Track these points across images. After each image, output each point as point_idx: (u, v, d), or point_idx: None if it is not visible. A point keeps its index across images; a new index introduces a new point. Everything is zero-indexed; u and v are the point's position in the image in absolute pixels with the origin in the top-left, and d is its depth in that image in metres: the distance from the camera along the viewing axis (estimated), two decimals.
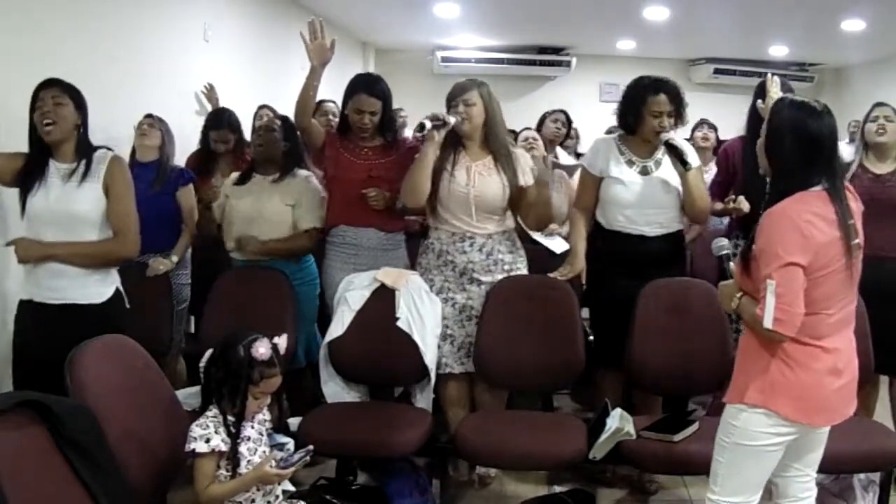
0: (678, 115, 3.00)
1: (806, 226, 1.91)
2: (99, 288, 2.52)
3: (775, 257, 1.91)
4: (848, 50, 7.96)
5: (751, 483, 2.07)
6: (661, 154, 3.03)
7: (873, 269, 3.08)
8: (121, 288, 2.61)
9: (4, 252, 2.58)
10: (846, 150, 8.88)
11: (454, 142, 2.96)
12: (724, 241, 2.27)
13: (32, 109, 2.45)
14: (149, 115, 3.52)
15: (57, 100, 2.44)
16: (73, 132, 2.48)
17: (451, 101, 2.95)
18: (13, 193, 2.54)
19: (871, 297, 2.94)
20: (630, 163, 3.05)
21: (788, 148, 1.99)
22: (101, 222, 2.50)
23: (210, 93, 4.55)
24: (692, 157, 2.97)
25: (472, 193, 2.94)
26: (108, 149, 2.57)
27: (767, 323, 1.90)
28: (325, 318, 3.28)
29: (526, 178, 3.02)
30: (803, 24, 6.84)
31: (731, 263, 2.18)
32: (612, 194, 3.04)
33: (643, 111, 2.97)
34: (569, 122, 4.91)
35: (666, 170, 3.03)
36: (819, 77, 9.51)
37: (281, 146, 3.25)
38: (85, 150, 2.51)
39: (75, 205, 2.45)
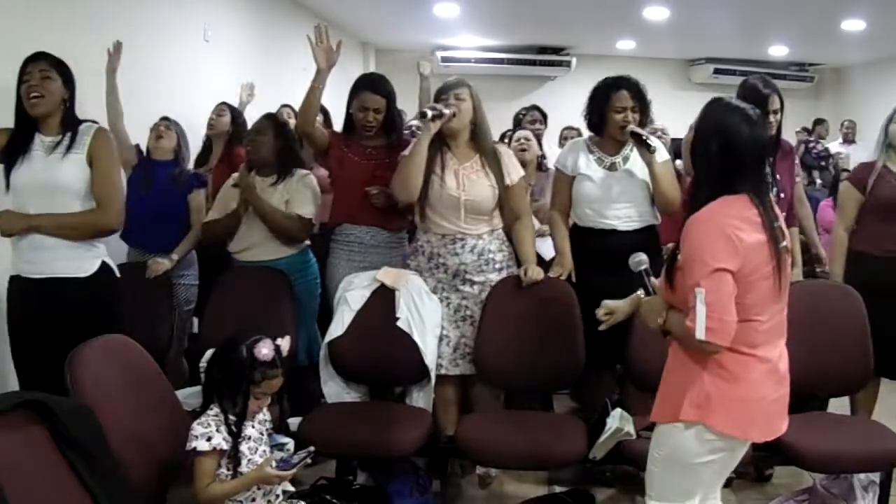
0: (642, 111, 3.01)
1: (733, 230, 1.82)
2: (84, 261, 2.50)
3: (703, 264, 1.81)
4: (848, 50, 7.98)
5: (686, 492, 1.99)
6: (630, 150, 3.05)
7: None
8: (109, 261, 2.59)
9: None
10: (840, 151, 8.82)
11: (439, 143, 2.95)
12: (643, 256, 2.16)
13: (20, 83, 2.43)
14: (165, 118, 3.55)
15: (45, 73, 2.43)
16: (59, 106, 2.48)
17: (442, 96, 2.95)
18: None
19: (889, 298, 2.95)
20: (599, 160, 3.07)
21: (715, 153, 1.88)
22: (85, 194, 2.48)
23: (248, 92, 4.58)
24: (657, 146, 2.96)
25: (462, 198, 2.93)
26: (94, 122, 2.56)
27: (700, 334, 1.80)
28: (328, 317, 3.29)
29: (511, 177, 3.02)
30: (803, 24, 6.86)
31: (653, 278, 2.08)
32: (581, 191, 3.06)
33: (606, 109, 2.99)
34: (544, 116, 4.89)
35: (633, 165, 3.04)
36: (819, 77, 9.52)
37: (272, 147, 3.23)
38: (70, 124, 2.49)
39: (59, 175, 2.43)
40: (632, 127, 2.94)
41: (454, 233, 2.97)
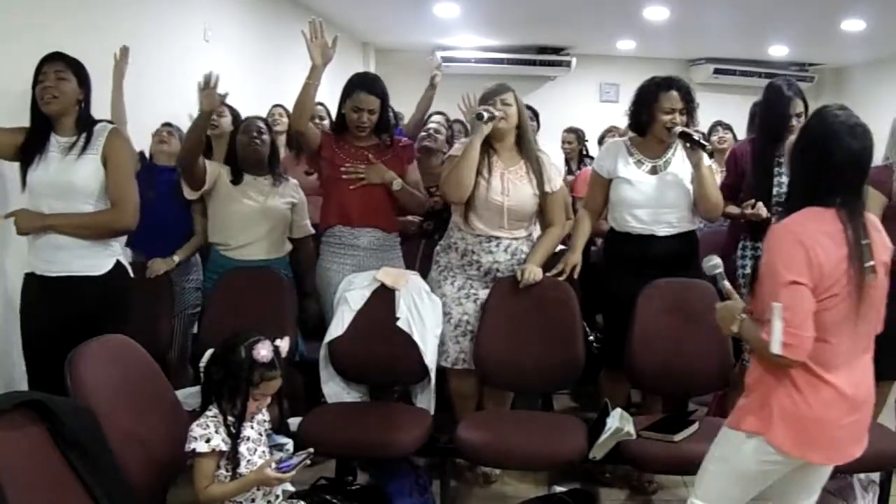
0: (689, 112, 2.99)
1: (811, 243, 1.78)
2: (98, 259, 2.52)
3: (778, 277, 1.79)
4: (848, 50, 7.96)
5: (733, 498, 1.98)
6: (672, 154, 3.03)
7: None
8: (123, 260, 2.61)
9: (4, 227, 2.58)
10: None
11: (485, 146, 2.96)
12: (717, 260, 2.13)
13: (35, 83, 2.46)
14: (167, 124, 3.56)
15: (60, 74, 2.46)
16: (74, 107, 2.50)
17: (488, 101, 2.95)
18: (14, 167, 2.55)
19: None
20: (639, 163, 3.04)
21: (811, 163, 1.86)
22: (100, 194, 2.50)
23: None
24: (709, 146, 2.96)
25: (506, 203, 2.95)
26: (109, 122, 2.58)
27: (775, 348, 1.78)
28: (321, 321, 3.28)
29: (552, 184, 3.03)
30: (803, 24, 6.84)
31: (725, 282, 2.06)
32: (621, 195, 3.04)
33: (655, 109, 2.96)
34: (535, 115, 4.56)
35: (676, 168, 3.01)
36: (819, 77, 9.50)
37: (270, 147, 3.32)
38: (85, 125, 2.52)
39: (74, 176, 2.46)
40: (680, 127, 2.92)
41: (491, 234, 2.99)
